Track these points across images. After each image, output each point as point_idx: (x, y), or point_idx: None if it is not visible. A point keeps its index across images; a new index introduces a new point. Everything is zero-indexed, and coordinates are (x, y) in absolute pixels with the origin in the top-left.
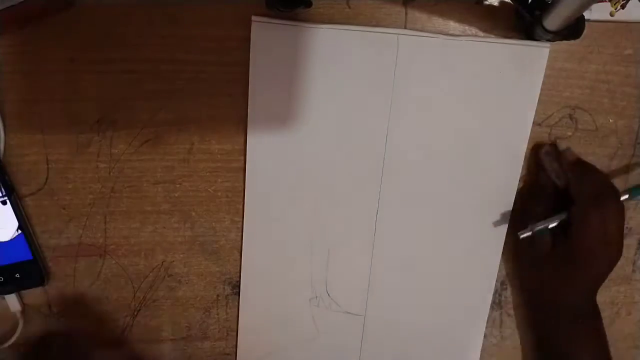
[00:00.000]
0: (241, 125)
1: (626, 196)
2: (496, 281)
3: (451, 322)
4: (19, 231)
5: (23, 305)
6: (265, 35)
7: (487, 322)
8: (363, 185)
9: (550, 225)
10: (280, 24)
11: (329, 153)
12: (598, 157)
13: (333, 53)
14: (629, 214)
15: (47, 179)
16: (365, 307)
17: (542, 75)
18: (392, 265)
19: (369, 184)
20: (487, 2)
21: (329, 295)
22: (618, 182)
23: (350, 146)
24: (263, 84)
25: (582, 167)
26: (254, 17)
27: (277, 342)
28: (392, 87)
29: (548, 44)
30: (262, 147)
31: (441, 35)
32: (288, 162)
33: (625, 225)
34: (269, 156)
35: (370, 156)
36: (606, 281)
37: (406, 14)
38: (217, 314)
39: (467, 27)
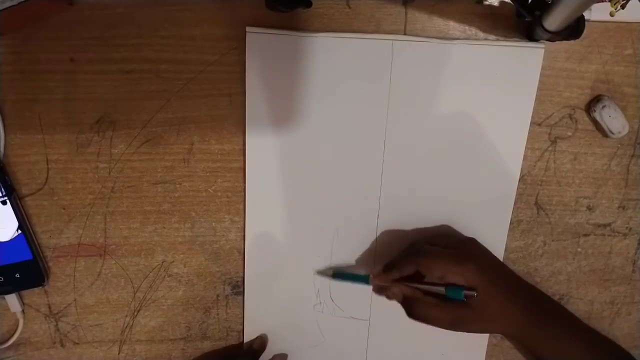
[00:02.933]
0: (241, 125)
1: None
2: None
3: None
4: (19, 231)
5: (23, 305)
6: (260, 44)
7: None
8: (363, 188)
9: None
10: (274, 33)
11: (329, 155)
12: (598, 157)
13: (328, 60)
14: (628, 213)
15: (47, 179)
16: (369, 312)
17: (538, 75)
18: None
19: (369, 187)
20: (487, 2)
21: (332, 300)
22: (618, 182)
23: (349, 148)
24: (260, 91)
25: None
26: (248, 28)
27: (283, 348)
28: (389, 91)
29: (543, 44)
30: (261, 147)
31: (435, 40)
32: (288, 163)
33: (625, 225)
34: (269, 157)
35: (369, 158)
36: (606, 281)
37: (406, 14)
38: (217, 314)
39: (467, 27)
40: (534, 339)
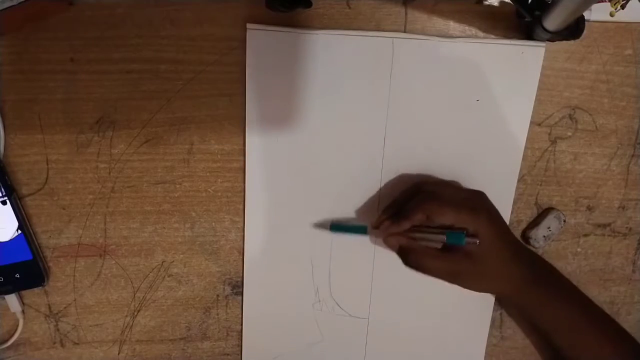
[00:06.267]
0: (241, 125)
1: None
2: None
3: (454, 323)
4: (19, 231)
5: (23, 305)
6: (261, 41)
7: None
8: (363, 187)
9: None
10: (275, 30)
11: (328, 154)
12: (598, 157)
13: (328, 58)
14: (628, 213)
15: (47, 179)
16: (368, 310)
17: (539, 75)
18: (394, 267)
19: (369, 185)
20: (487, 2)
21: (332, 298)
22: (618, 182)
23: (349, 147)
24: (260, 89)
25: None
26: (248, 25)
27: (282, 346)
28: (389, 89)
29: (544, 44)
30: (261, 147)
31: (435, 38)
32: (287, 163)
33: (625, 225)
34: (269, 157)
35: (369, 157)
36: (606, 281)
37: (406, 14)
38: (217, 314)
39: (467, 27)
40: (531, 300)
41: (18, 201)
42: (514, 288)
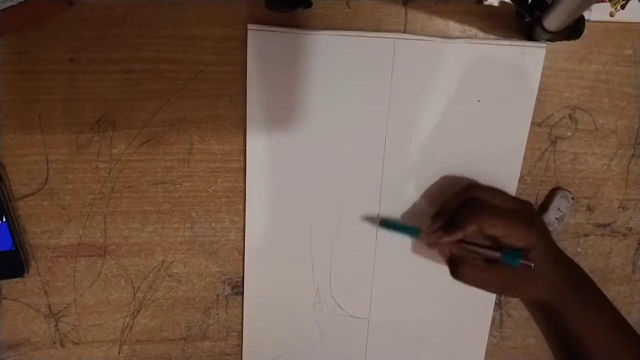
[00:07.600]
0: (241, 125)
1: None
2: None
3: (454, 323)
4: (3, 220)
5: (1, 295)
6: (262, 42)
7: None
8: (363, 186)
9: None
10: (276, 31)
11: (329, 155)
12: (598, 157)
13: (329, 58)
14: (628, 213)
15: (47, 179)
16: (369, 311)
17: (539, 75)
18: (394, 268)
19: (369, 185)
20: (487, 2)
21: (333, 298)
22: (618, 182)
23: (349, 147)
24: (261, 89)
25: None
26: (249, 25)
27: (282, 346)
28: (390, 89)
29: (544, 44)
30: (261, 147)
31: (437, 38)
32: (288, 163)
33: (626, 225)
34: (269, 157)
35: (369, 157)
36: (606, 281)
37: (406, 14)
38: (217, 314)
39: (467, 27)
40: (567, 304)
41: (4, 191)
42: (555, 294)
